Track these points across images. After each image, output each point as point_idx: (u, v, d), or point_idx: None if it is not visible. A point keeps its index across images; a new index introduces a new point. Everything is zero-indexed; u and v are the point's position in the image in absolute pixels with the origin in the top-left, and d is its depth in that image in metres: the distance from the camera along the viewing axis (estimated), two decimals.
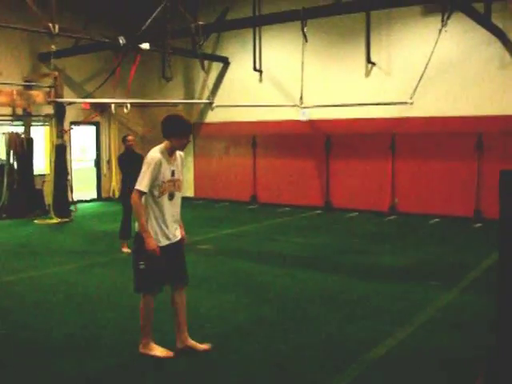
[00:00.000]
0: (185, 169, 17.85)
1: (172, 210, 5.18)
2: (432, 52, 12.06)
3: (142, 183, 4.94)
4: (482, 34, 13.10)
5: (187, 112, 18.18)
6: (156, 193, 5.04)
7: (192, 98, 18.37)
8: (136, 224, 5.11)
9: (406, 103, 12.99)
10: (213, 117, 17.79)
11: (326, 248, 10.62)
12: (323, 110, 15.14)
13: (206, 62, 17.51)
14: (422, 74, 12.31)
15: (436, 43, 11.97)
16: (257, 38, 16.81)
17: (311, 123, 15.91)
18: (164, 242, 5.12)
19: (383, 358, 5.21)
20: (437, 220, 13.78)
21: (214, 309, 6.75)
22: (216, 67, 17.90)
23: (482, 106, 13.65)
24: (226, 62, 17.69)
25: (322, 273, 8.62)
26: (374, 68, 15.15)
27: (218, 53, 17.72)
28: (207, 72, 17.83)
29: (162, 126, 5.15)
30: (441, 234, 12.35)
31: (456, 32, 13.54)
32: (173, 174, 5.14)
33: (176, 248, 5.25)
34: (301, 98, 14.14)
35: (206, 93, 17.55)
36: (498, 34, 13.17)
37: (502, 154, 13.19)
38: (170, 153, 5.13)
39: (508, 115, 13.30)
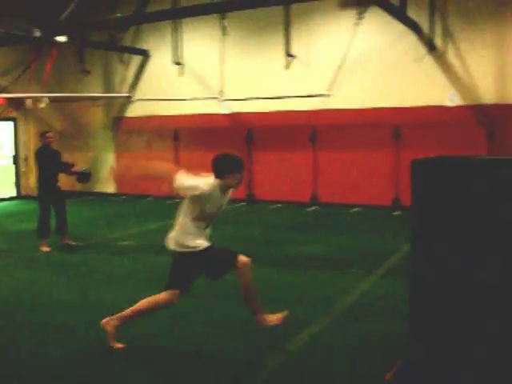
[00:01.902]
0: (105, 164, 17.59)
1: (205, 232, 5.32)
2: (349, 45, 12.31)
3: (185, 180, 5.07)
4: (398, 27, 13.43)
5: (107, 106, 17.88)
6: (197, 218, 5.13)
7: (111, 92, 18.06)
8: (179, 241, 5.15)
9: (324, 95, 13.20)
10: (134, 111, 17.57)
11: (250, 240, 10.67)
12: (244, 102, 15.21)
13: (125, 55, 17.27)
14: (339, 66, 12.53)
15: (353, 36, 12.21)
16: (177, 30, 16.67)
17: (233, 116, 15.94)
18: (205, 244, 5.26)
19: (306, 345, 5.30)
20: (357, 209, 14.09)
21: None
22: (136, 60, 17.65)
23: (399, 97, 14.03)
24: (146, 55, 17.46)
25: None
26: (294, 60, 15.31)
27: (138, 45, 17.46)
28: (127, 65, 17.58)
29: (215, 165, 5.18)
30: (361, 222, 12.63)
31: (373, 25, 13.84)
32: (219, 208, 5.24)
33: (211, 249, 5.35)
34: (221, 90, 14.15)
35: (126, 86, 17.30)
36: (414, 27, 13.54)
37: (418, 143, 13.60)
38: (223, 190, 5.15)
39: (423, 106, 13.73)
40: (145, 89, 17.37)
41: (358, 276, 7.81)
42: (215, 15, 14.99)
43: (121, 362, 4.96)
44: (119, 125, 17.99)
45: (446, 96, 13.68)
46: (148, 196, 16.83)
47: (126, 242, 10.48)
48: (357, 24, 12.09)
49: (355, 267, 8.28)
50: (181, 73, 16.93)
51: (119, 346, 5.16)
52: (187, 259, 5.17)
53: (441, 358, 4.08)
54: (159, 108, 16.95)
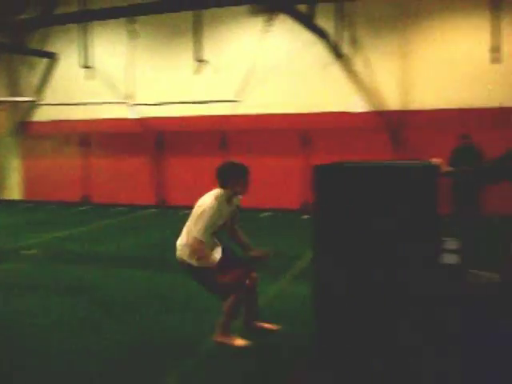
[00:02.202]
0: (10, 170, 17.02)
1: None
2: (258, 51, 12.42)
3: (201, 231, 5.14)
4: (306, 34, 13.68)
5: (12, 111, 17.31)
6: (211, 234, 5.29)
7: (17, 96, 17.49)
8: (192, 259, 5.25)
9: (233, 101, 13.28)
10: (41, 116, 17.10)
11: (158, 247, 10.57)
12: (154, 107, 15.09)
13: (31, 58, 16.78)
14: (249, 72, 12.63)
15: (262, 43, 12.34)
16: (85, 33, 16.34)
17: (143, 121, 15.78)
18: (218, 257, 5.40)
19: (216, 348, 5.32)
20: (268, 214, 14.22)
21: (38, 311, 6.47)
22: (43, 63, 17.16)
23: (308, 103, 14.28)
24: (53, 58, 17.02)
25: (151, 271, 8.57)
26: (205, 66, 15.32)
27: (45, 48, 17.00)
28: (33, 68, 17.08)
29: (220, 175, 5.34)
30: (271, 226, 12.76)
31: (282, 32, 14.04)
32: (227, 216, 5.42)
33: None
34: (131, 95, 13.98)
35: (32, 90, 16.80)
36: (322, 34, 13.83)
37: (326, 148, 13.88)
38: (228, 200, 5.35)
39: (331, 112, 14.04)
40: (52, 93, 16.93)
41: (267, 280, 7.86)
42: (125, 19, 14.80)
43: None
44: (25, 130, 17.44)
45: (351, 102, 14.04)
46: (54, 202, 16.43)
47: (30, 251, 10.15)
48: (266, 31, 12.22)
49: (263, 272, 8.32)
50: (90, 76, 16.60)
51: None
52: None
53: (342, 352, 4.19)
54: (67, 112, 16.55)
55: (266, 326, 5.76)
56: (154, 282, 7.97)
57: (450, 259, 4.35)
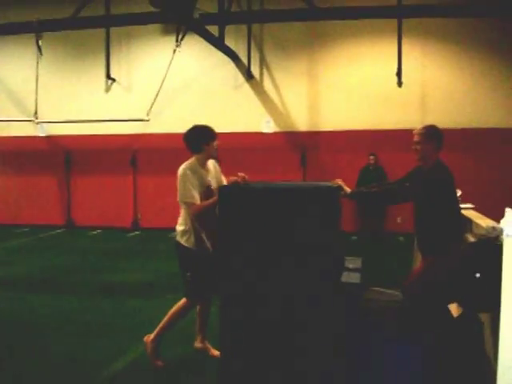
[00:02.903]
0: None
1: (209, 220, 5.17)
2: (167, 71, 12.41)
3: (187, 195, 5.10)
4: (217, 54, 13.77)
5: None
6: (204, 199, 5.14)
7: None
8: (176, 234, 5.23)
9: (142, 120, 13.21)
10: None
11: (65, 268, 10.30)
12: (63, 125, 14.76)
13: None
14: (157, 91, 12.60)
15: (171, 62, 12.34)
16: None
17: (50, 139, 15.42)
18: (210, 248, 5.23)
19: (122, 372, 5.22)
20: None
21: None
22: None
23: (218, 123, 14.13)
24: None
25: (58, 294, 8.33)
26: (115, 84, 15.16)
27: None
28: None
29: (188, 140, 5.27)
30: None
31: (194, 52, 14.10)
32: (210, 181, 5.26)
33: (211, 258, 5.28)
34: (35, 112, 13.64)
35: None
36: (232, 55, 13.98)
37: (236, 169, 13.88)
38: (202, 165, 5.22)
39: (241, 132, 14.15)
40: None
41: (175, 302, 7.78)
42: (31, 34, 14.43)
43: None
44: None
45: (262, 122, 14.22)
46: None
47: None
48: (175, 51, 12.24)
49: (172, 293, 8.26)
50: None
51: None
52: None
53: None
54: None
55: (212, 350, 5.60)
56: (59, 305, 7.74)
57: (351, 278, 4.45)
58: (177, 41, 12.19)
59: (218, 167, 5.52)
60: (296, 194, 4.21)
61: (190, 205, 5.14)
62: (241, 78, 14.38)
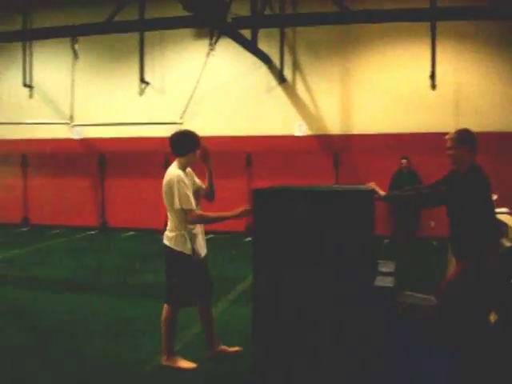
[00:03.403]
0: None
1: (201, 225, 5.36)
2: (201, 74, 12.50)
3: (188, 202, 5.09)
4: (250, 58, 13.84)
5: None
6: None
7: None
8: (166, 240, 5.29)
9: (176, 123, 13.31)
10: None
11: (100, 269, 10.43)
12: (97, 128, 14.96)
13: None
14: (191, 95, 12.69)
15: (204, 66, 12.42)
16: (27, 52, 16.13)
17: (85, 142, 15.62)
18: (203, 253, 5.41)
19: (155, 373, 5.28)
20: (211, 236, 14.16)
21: None
22: None
23: (251, 126, 14.40)
24: None
25: (95, 294, 8.45)
26: (148, 87, 15.31)
27: None
28: None
29: (175, 144, 5.26)
30: (214, 249, 12.68)
31: (226, 56, 14.17)
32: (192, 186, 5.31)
33: (205, 262, 5.50)
34: (71, 115, 13.86)
35: None
36: (265, 59, 14.03)
37: (268, 172, 13.99)
38: (183, 170, 5.26)
39: (273, 136, 14.18)
40: None
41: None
42: (67, 38, 14.68)
43: None
44: None
45: (295, 126, 14.23)
46: None
47: None
48: (209, 54, 12.33)
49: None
50: (31, 96, 16.37)
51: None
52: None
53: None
54: (6, 132, 16.22)
55: (230, 349, 5.69)
56: (94, 305, 7.84)
57: (385, 281, 4.45)
58: (210, 44, 12.28)
59: (193, 175, 5.54)
60: (330, 197, 4.23)
61: (189, 211, 5.15)
62: (273, 82, 14.42)
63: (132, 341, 6.22)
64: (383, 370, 4.09)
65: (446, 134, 5.03)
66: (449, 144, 4.93)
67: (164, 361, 5.40)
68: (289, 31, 14.30)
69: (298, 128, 14.22)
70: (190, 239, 5.25)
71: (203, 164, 5.48)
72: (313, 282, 4.14)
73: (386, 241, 12.70)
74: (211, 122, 14.62)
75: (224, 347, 5.67)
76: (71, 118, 13.95)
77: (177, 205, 5.12)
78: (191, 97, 12.90)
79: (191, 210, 5.14)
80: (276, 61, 14.29)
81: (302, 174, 13.54)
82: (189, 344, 5.39)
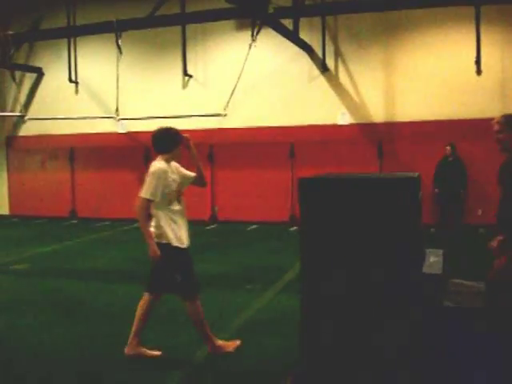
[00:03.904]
0: None
1: (184, 215, 5.41)
2: (243, 65, 12.54)
3: (148, 191, 5.10)
4: (292, 48, 13.83)
5: None
6: (170, 201, 5.23)
7: (4, 111, 17.50)
8: (158, 234, 5.24)
9: (219, 115, 13.41)
10: (28, 130, 17.12)
11: (147, 260, 10.58)
12: (142, 122, 15.15)
13: (17, 73, 16.84)
14: (234, 86, 12.75)
15: (247, 57, 12.47)
16: (72, 48, 16.42)
17: (130, 135, 15.85)
18: (187, 243, 5.39)
19: (205, 362, 5.36)
20: (255, 226, 14.30)
21: (31, 332, 6.49)
22: (30, 78, 17.23)
23: (294, 116, 14.41)
24: (39, 73, 17.09)
25: (141, 285, 8.58)
26: (191, 80, 15.44)
27: (31, 63, 17.07)
28: (20, 83, 17.13)
29: (157, 141, 5.40)
30: (259, 239, 12.83)
31: (268, 46, 14.18)
32: (175, 181, 5.32)
33: (189, 254, 5.48)
34: (117, 109, 14.08)
35: (19, 105, 16.84)
36: (307, 48, 14.01)
37: (312, 161, 14.00)
38: (168, 164, 5.31)
39: (317, 125, 14.17)
40: (39, 107, 16.96)
41: (255, 292, 7.94)
42: (111, 34, 14.91)
43: None
44: (12, 144, 17.46)
45: (338, 114, 14.19)
46: (40, 217, 16.44)
47: (20, 266, 10.15)
48: (250, 45, 12.38)
49: (252, 284, 8.42)
50: (76, 91, 16.67)
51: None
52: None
53: (330, 365, 4.26)
54: (54, 127, 16.59)
55: (228, 344, 5.60)
56: (140, 295, 7.98)
57: (433, 268, 4.45)
58: (252, 36, 12.32)
59: (179, 167, 5.53)
60: (378, 184, 4.23)
61: (140, 198, 5.16)
62: (316, 71, 14.38)
63: (181, 328, 6.31)
64: (431, 358, 4.10)
65: (492, 119, 4.95)
66: (496, 128, 4.81)
67: (129, 350, 5.39)
68: (330, 20, 14.23)
69: (341, 117, 14.17)
70: (173, 229, 5.25)
71: (188, 153, 5.52)
72: (361, 270, 4.15)
73: (431, 229, 12.59)
74: (254, 113, 14.69)
75: (222, 343, 5.56)
76: (117, 111, 14.17)
77: (142, 193, 5.16)
78: (234, 88, 12.96)
79: (142, 199, 5.13)
80: (318, 50, 14.25)
81: (346, 163, 13.51)
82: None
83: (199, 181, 5.64)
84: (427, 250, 5.00)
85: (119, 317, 6.92)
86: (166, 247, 5.24)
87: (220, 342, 5.50)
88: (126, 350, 5.40)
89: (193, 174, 5.56)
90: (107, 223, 15.63)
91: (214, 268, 9.70)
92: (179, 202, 5.37)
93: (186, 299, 5.43)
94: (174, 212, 5.29)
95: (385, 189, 4.18)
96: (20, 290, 8.48)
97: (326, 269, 4.24)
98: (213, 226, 14.74)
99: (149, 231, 5.20)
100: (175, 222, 5.28)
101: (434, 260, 4.78)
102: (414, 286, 4.07)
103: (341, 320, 4.23)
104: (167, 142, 5.39)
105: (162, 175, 5.17)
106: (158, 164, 5.26)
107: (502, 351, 4.17)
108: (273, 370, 5.08)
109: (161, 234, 5.24)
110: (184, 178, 5.47)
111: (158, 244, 5.24)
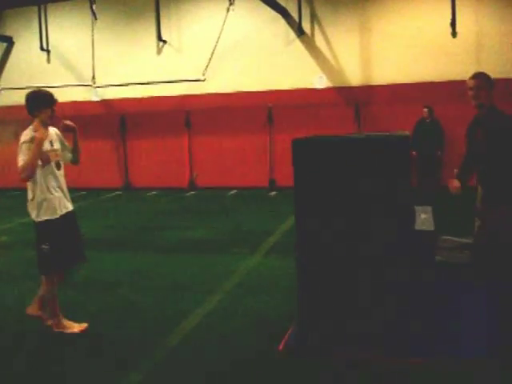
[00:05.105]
0: None
1: (61, 179, 5.28)
2: (221, 30, 12.45)
3: (21, 159, 5.03)
4: (268, 12, 13.75)
5: None
6: (42, 163, 5.09)
7: None
8: (32, 214, 5.13)
9: (198, 80, 13.32)
10: (1, 101, 16.80)
11: (129, 228, 10.62)
12: (116, 89, 15.00)
13: None
14: (212, 50, 12.66)
15: (224, 21, 12.36)
16: (42, 15, 16.09)
17: (105, 103, 15.69)
18: (63, 211, 5.19)
19: (200, 324, 5.42)
20: (235, 192, 14.34)
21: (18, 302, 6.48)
22: (1, 47, 16.87)
23: (271, 80, 14.37)
24: (10, 42, 16.73)
25: (128, 253, 8.62)
26: (166, 46, 15.28)
27: (2, 32, 16.68)
28: None
29: (26, 106, 5.19)
30: (240, 204, 12.88)
31: (244, 10, 14.09)
32: (51, 144, 5.21)
33: (73, 220, 5.34)
34: (93, 77, 13.90)
35: None
36: (283, 12, 13.92)
37: (290, 125, 14.01)
38: (44, 128, 5.15)
39: (294, 89, 14.16)
40: (11, 77, 16.65)
41: (242, 256, 8.01)
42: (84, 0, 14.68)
43: None
44: None
45: (315, 78, 14.18)
46: (15, 189, 16.22)
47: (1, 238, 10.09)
48: (228, 9, 12.28)
49: (238, 248, 8.49)
50: (48, 60, 16.39)
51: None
52: None
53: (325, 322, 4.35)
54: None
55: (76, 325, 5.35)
56: (129, 263, 8.01)
57: (425, 225, 4.54)
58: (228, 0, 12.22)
59: (59, 133, 5.47)
60: (371, 143, 4.29)
61: (20, 168, 5.10)
62: (292, 35, 14.32)
63: (172, 294, 6.36)
64: (423, 311, 4.22)
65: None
66: (470, 84, 4.86)
67: (55, 327, 5.27)
68: None
69: (319, 80, 14.16)
70: (48, 199, 5.13)
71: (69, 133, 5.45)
72: (354, 228, 4.23)
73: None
74: (230, 79, 14.61)
75: (68, 322, 5.35)
76: (93, 79, 13.99)
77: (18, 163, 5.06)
78: (213, 52, 12.86)
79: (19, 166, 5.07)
80: (294, 14, 14.16)
81: (324, 126, 13.53)
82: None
83: (73, 159, 5.63)
84: (416, 208, 5.09)
85: (104, 282, 6.95)
86: (45, 222, 5.11)
87: (66, 322, 5.32)
88: (53, 326, 5.27)
89: (70, 147, 5.50)
90: (84, 193, 15.49)
91: (198, 234, 9.74)
92: (58, 166, 5.31)
93: (42, 273, 5.26)
94: (51, 175, 5.20)
95: (376, 147, 4.24)
96: (3, 261, 8.44)
97: (322, 227, 4.30)
98: (192, 193, 14.74)
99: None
100: (54, 187, 5.19)
101: (424, 217, 4.88)
102: (410, 242, 4.15)
103: (338, 277, 4.31)
104: (33, 103, 5.19)
105: (27, 141, 5.06)
106: (26, 131, 5.13)
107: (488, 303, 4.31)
108: (269, 326, 5.17)
109: (41, 207, 5.12)
110: (61, 147, 5.40)
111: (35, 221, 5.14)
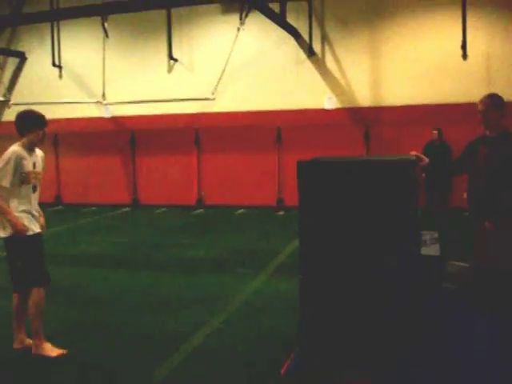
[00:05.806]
0: None
1: (34, 202, 5.25)
2: (231, 49, 12.49)
3: (4, 179, 4.94)
4: (279, 32, 13.79)
5: None
6: (20, 183, 5.05)
7: None
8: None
9: (207, 99, 13.35)
10: (11, 115, 16.80)
11: (135, 245, 10.59)
12: (127, 106, 15.07)
13: (0, 58, 16.63)
14: (223, 70, 12.70)
15: (235, 41, 12.41)
16: (55, 32, 16.23)
17: (115, 120, 15.75)
18: (36, 229, 5.21)
19: (201, 346, 5.36)
20: (242, 210, 14.32)
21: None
22: (12, 63, 17.01)
23: (281, 100, 14.39)
24: (22, 58, 16.87)
25: (133, 270, 8.60)
26: (177, 64, 15.35)
27: (14, 47, 16.84)
28: (2, 68, 16.92)
29: (16, 124, 5.15)
30: (247, 223, 12.85)
31: (255, 30, 14.13)
32: (34, 166, 5.19)
33: (41, 241, 5.31)
34: (103, 94, 13.97)
35: (2, 90, 16.64)
36: (293, 32, 13.97)
37: (299, 145, 14.00)
38: (29, 148, 5.16)
39: (303, 109, 14.17)
40: (23, 92, 16.74)
41: (248, 276, 7.96)
42: (96, 17, 14.77)
43: None
44: None
45: (324, 99, 14.19)
46: None
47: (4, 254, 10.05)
48: (239, 29, 12.33)
49: (243, 267, 8.44)
50: (60, 76, 16.50)
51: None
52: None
53: (328, 348, 4.29)
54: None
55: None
56: (133, 280, 7.99)
57: (431, 251, 4.49)
58: (240, 19, 12.26)
59: (43, 157, 5.46)
60: (378, 167, 4.25)
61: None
62: (302, 55, 14.36)
63: (172, 314, 6.32)
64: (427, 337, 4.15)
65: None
66: (482, 107, 4.85)
67: (34, 349, 5.17)
68: (317, 4, 14.21)
69: (328, 101, 14.17)
70: (21, 213, 5.09)
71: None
72: (359, 252, 4.18)
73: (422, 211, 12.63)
74: (240, 98, 14.64)
75: (30, 341, 5.27)
76: (103, 96, 14.06)
77: None
78: (223, 72, 12.90)
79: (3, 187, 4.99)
80: (305, 34, 14.21)
81: (332, 147, 13.50)
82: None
83: None
84: (423, 232, 5.03)
85: (108, 300, 6.92)
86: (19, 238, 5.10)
87: (46, 345, 5.18)
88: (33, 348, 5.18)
89: (41, 172, 5.43)
90: (93, 209, 15.53)
91: (204, 253, 9.71)
92: (35, 189, 5.26)
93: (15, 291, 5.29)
94: (26, 196, 5.15)
95: (383, 171, 4.20)
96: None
97: (326, 250, 4.26)
98: (200, 211, 14.73)
99: (5, 207, 5.00)
100: (27, 208, 5.15)
101: (430, 242, 4.83)
102: (415, 268, 4.10)
103: (340, 301, 4.26)
104: (23, 124, 5.17)
105: (15, 159, 5.01)
106: (12, 148, 5.08)
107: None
108: (272, 350, 5.11)
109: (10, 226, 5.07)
110: (39, 169, 5.35)
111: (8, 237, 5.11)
